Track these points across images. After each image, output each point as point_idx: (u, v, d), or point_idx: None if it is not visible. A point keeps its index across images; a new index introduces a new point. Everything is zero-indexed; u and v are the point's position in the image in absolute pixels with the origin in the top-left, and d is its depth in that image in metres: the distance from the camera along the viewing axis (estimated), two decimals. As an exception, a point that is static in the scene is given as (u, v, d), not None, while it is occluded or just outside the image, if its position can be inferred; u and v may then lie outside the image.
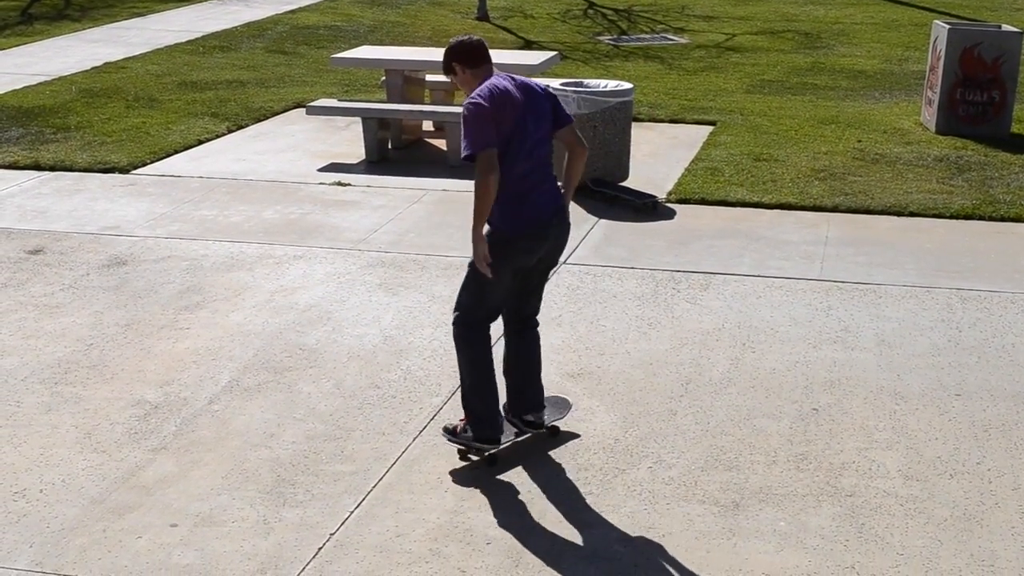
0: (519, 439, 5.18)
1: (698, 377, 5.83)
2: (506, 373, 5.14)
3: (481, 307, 4.85)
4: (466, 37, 4.80)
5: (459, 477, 4.93)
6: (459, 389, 5.20)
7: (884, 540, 4.48)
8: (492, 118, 4.57)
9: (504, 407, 5.18)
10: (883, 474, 4.94)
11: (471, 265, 4.76)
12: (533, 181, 4.74)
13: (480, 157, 4.54)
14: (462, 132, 4.62)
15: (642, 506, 4.71)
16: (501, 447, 5.05)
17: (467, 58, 4.75)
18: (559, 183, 4.92)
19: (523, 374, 5.10)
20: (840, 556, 4.38)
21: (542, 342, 6.12)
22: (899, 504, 4.72)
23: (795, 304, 6.75)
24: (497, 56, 10.29)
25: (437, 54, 10.35)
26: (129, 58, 14.32)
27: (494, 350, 5.10)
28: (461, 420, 5.07)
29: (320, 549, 4.42)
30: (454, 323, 4.92)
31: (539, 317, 6.42)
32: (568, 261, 7.42)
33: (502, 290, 4.84)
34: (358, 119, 10.72)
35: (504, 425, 5.07)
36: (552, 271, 4.99)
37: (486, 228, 4.69)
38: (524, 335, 5.11)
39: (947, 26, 10.41)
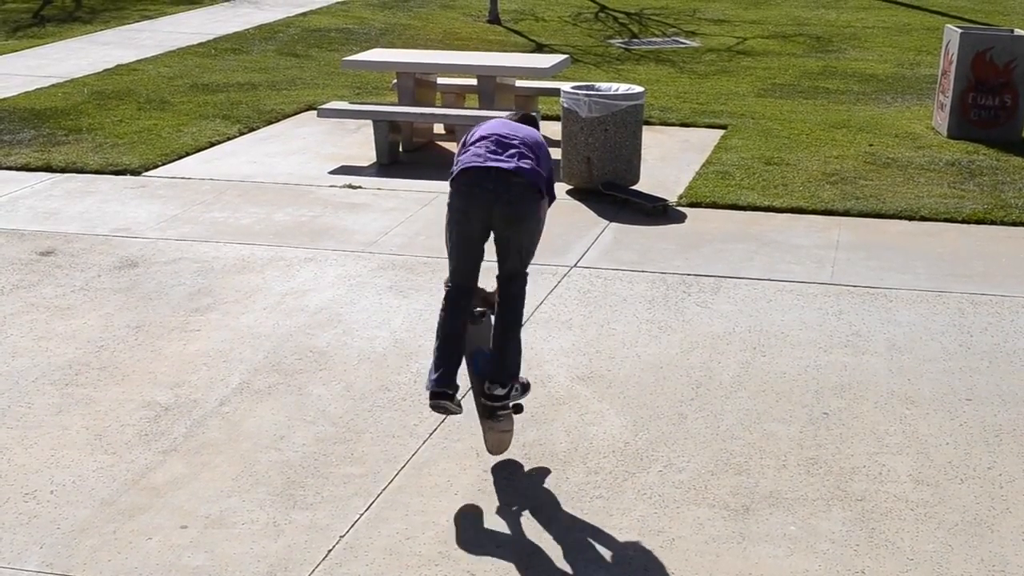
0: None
1: (708, 381, 5.81)
2: None
3: (451, 268, 4.89)
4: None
5: (469, 480, 4.92)
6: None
7: (894, 545, 4.46)
8: (463, 144, 4.94)
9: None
10: (894, 479, 4.92)
11: None
12: (479, 149, 4.81)
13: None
14: None
15: (652, 510, 4.69)
16: (441, 403, 4.83)
17: None
18: (531, 166, 4.80)
19: (496, 328, 4.94)
20: (850, 561, 4.36)
21: (551, 344, 6.17)
22: (909, 509, 4.70)
23: (806, 308, 6.73)
24: (508, 59, 10.30)
25: (448, 57, 10.35)
26: (141, 60, 14.34)
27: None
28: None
29: (330, 551, 4.41)
30: None
31: (547, 318, 6.41)
32: (578, 264, 7.41)
33: (457, 248, 4.83)
34: (369, 122, 10.72)
35: (449, 383, 4.85)
36: (516, 244, 4.82)
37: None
38: (503, 291, 4.93)
39: (959, 30, 10.37)
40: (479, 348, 5.06)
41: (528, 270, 5.00)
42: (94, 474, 4.95)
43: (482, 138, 4.89)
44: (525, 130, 4.96)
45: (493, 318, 5.00)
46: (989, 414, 5.49)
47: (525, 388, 5.10)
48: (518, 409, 5.03)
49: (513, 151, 4.81)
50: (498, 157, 4.77)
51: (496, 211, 4.73)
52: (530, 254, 4.91)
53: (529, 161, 4.79)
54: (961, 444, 5.21)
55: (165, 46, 15.38)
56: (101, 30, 16.71)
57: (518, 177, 4.73)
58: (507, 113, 5.20)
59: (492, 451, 5.06)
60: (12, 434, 5.30)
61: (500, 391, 4.86)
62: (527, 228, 4.80)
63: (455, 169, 4.83)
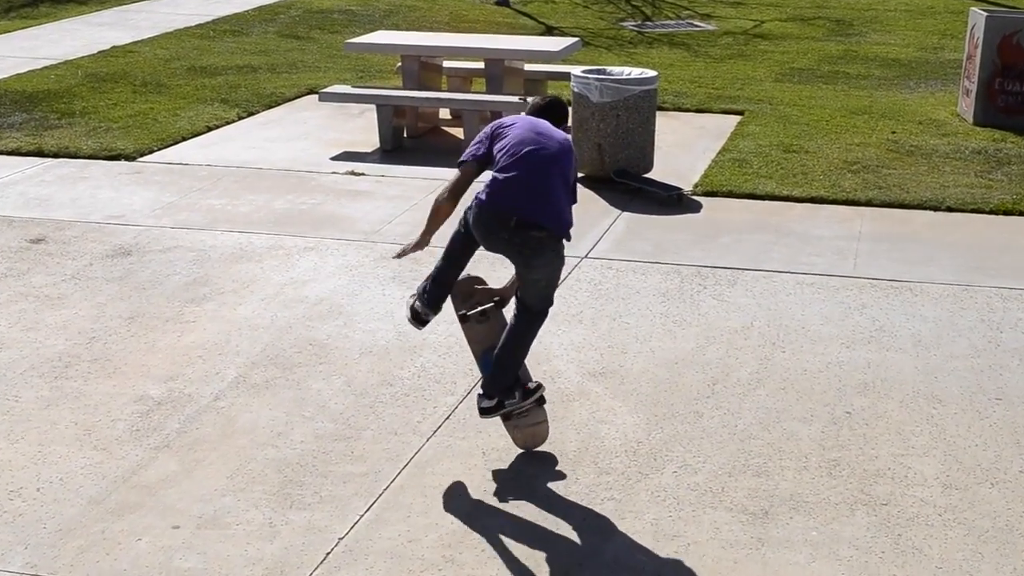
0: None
1: (725, 378, 5.76)
2: None
3: (442, 263, 5.01)
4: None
5: (474, 480, 4.88)
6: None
7: (921, 552, 4.38)
8: (489, 137, 4.96)
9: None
10: (920, 482, 4.84)
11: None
12: (509, 185, 4.72)
13: (459, 170, 5.02)
14: None
15: (666, 513, 4.62)
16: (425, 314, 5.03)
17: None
18: (556, 212, 4.74)
19: (501, 342, 4.96)
20: (875, 568, 4.28)
21: (561, 338, 6.19)
22: (937, 514, 4.62)
23: (827, 302, 6.67)
24: (517, 42, 10.28)
25: (455, 40, 10.42)
26: (137, 42, 14.40)
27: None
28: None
29: (328, 554, 4.36)
30: None
31: (557, 312, 6.28)
32: (590, 255, 7.39)
33: (453, 255, 4.96)
34: (372, 106, 10.64)
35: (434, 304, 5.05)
36: (534, 278, 4.85)
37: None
38: (519, 315, 4.94)
39: (985, 13, 10.35)
40: (492, 347, 5.06)
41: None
42: (83, 471, 4.89)
43: (512, 161, 4.75)
44: (555, 139, 4.84)
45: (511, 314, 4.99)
46: (1020, 414, 5.43)
47: (527, 394, 4.98)
48: (541, 400, 5.06)
49: (543, 188, 4.70)
50: (522, 202, 4.67)
51: (510, 254, 4.79)
52: (551, 286, 4.90)
53: (558, 201, 4.72)
54: (991, 446, 5.14)
55: (162, 27, 15.41)
56: (97, 11, 16.85)
57: (540, 231, 4.70)
58: (532, 99, 5.16)
59: (524, 447, 5.06)
60: (-3, 429, 5.31)
61: (486, 404, 4.94)
62: (544, 269, 4.81)
63: (478, 197, 4.79)
